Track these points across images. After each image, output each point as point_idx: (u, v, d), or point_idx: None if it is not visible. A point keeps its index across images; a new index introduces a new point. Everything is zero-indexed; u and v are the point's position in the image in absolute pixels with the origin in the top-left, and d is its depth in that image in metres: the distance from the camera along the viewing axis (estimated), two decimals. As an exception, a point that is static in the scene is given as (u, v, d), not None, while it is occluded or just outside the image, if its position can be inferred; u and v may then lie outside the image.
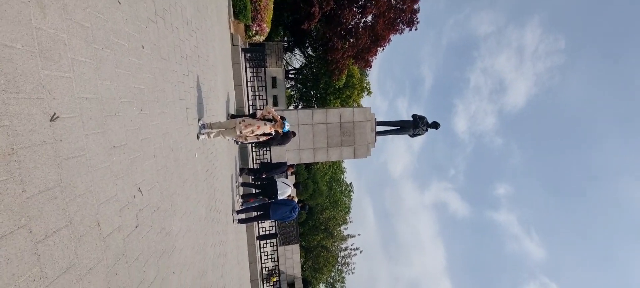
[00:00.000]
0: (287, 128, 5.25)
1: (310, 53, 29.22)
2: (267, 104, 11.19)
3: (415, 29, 19.89)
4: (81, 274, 1.67)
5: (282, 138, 7.42)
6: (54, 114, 1.58)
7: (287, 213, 7.43)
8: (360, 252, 32.92)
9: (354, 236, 33.40)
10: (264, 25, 11.83)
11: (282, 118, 6.14)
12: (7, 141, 1.29)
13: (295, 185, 9.29)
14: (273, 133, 5.25)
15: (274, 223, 11.58)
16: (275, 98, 19.60)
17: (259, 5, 11.16)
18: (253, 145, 10.25)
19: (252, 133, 4.97)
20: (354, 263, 33.08)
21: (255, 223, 10.10)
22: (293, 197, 8.64)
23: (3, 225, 1.23)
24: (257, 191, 8.95)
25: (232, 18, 9.71)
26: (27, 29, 1.44)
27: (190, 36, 4.61)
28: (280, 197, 8.29)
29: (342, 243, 32.24)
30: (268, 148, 10.33)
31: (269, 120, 5.25)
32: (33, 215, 1.39)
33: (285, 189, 8.66)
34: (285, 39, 29.57)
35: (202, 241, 4.34)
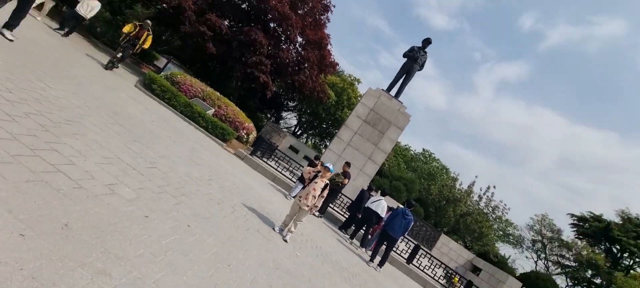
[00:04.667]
0: (331, 168, 5.21)
1: (293, 104, 30.47)
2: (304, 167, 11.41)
3: (332, 11, 20.82)
4: None
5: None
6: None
7: (401, 221, 7.44)
8: (494, 187, 30.22)
9: (474, 183, 30.82)
10: (246, 124, 12.54)
11: (323, 165, 6.23)
12: None
13: (381, 193, 9.20)
14: (328, 182, 5.24)
15: (405, 240, 11.00)
16: (306, 157, 20.11)
17: (231, 117, 11.99)
18: (331, 204, 10.24)
19: (316, 196, 4.96)
20: (500, 201, 29.98)
21: (392, 254, 9.67)
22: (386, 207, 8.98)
23: None
24: (364, 229, 8.92)
25: (224, 144, 10.39)
26: None
27: (222, 194, 4.90)
28: (381, 213, 8.48)
29: (472, 197, 29.71)
30: (339, 194, 10.25)
31: (316, 175, 5.25)
32: None
33: (379, 202, 8.91)
34: (269, 116, 31.26)
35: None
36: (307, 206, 4.90)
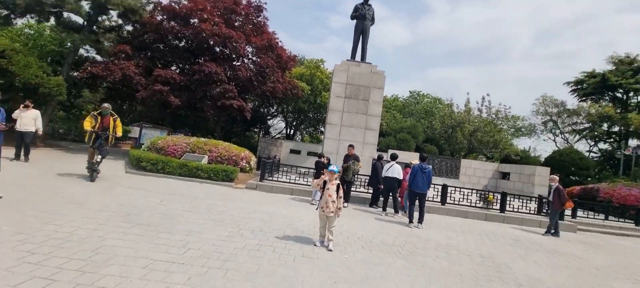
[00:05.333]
0: (335, 168, 5.37)
1: (275, 110, 30.52)
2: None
3: (266, 9, 20.55)
4: None
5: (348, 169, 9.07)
6: None
7: (422, 176, 7.85)
8: (488, 94, 30.61)
9: (468, 100, 31.29)
10: (243, 154, 12.70)
11: (327, 166, 6.44)
12: None
13: (392, 157, 9.53)
14: (338, 180, 5.41)
15: (433, 187, 11.36)
16: (310, 153, 20.39)
17: (226, 155, 12.10)
18: (351, 187, 10.45)
19: (335, 200, 5.12)
20: (499, 104, 30.51)
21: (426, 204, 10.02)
22: (402, 166, 9.50)
23: None
24: (392, 196, 9.33)
25: (233, 184, 10.54)
26: None
27: (256, 247, 5.05)
28: (399, 176, 9.06)
29: (473, 113, 30.09)
30: (355, 179, 10.44)
31: (325, 182, 5.37)
32: None
33: (393, 168, 9.16)
34: (257, 129, 31.42)
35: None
36: (332, 212, 5.09)
